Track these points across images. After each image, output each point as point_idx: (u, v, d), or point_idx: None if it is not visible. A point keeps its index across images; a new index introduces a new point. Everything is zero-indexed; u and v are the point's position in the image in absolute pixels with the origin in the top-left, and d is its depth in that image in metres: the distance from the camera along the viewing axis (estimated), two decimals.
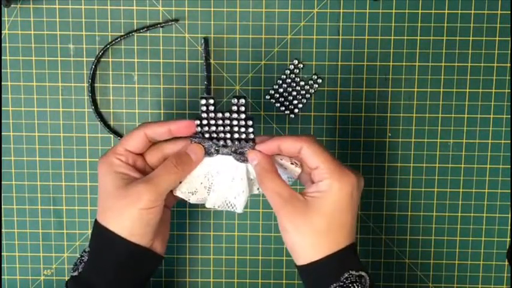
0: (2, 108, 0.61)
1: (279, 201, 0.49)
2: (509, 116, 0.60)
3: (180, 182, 0.52)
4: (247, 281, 0.64)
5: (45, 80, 0.61)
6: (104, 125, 0.61)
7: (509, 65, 0.60)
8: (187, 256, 0.63)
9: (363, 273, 0.49)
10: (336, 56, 0.60)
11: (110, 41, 0.59)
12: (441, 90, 0.60)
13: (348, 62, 0.60)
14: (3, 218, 0.63)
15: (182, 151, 0.51)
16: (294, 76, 0.60)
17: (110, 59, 0.60)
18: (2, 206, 0.62)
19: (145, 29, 0.59)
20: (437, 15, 0.59)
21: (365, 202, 0.62)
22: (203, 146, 0.52)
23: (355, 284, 0.47)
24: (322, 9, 0.59)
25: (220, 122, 0.51)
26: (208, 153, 0.52)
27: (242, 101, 0.50)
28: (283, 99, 0.61)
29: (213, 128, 0.51)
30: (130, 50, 0.60)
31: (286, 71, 0.60)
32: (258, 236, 0.63)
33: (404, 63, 0.60)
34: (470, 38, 0.60)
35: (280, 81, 0.60)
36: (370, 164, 0.61)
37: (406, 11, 0.59)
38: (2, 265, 0.63)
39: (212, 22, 0.59)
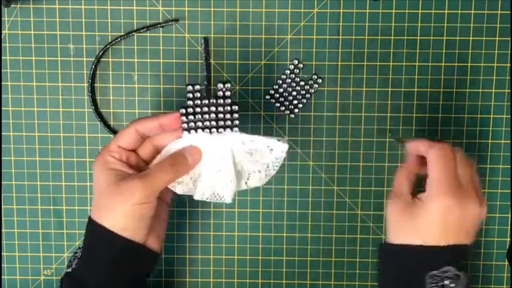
0: (2, 108, 0.61)
1: None
2: (509, 116, 0.60)
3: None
4: (247, 281, 0.64)
5: (45, 80, 0.61)
6: (104, 125, 0.61)
7: (509, 65, 0.60)
8: (187, 256, 0.63)
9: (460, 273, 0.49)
10: (336, 56, 0.60)
11: (110, 41, 0.59)
12: (441, 90, 0.60)
13: (348, 62, 0.60)
14: (3, 218, 0.63)
15: (179, 152, 0.52)
16: (294, 76, 0.60)
17: (110, 59, 0.60)
18: (2, 206, 0.62)
19: (145, 29, 0.59)
20: (437, 15, 0.59)
21: (365, 202, 0.62)
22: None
23: (449, 280, 0.48)
24: (322, 9, 0.59)
25: (205, 109, 0.51)
26: (188, 129, 0.52)
27: (228, 85, 0.51)
28: (283, 99, 0.61)
29: (199, 116, 0.51)
30: (130, 50, 0.60)
31: (286, 71, 0.60)
32: (258, 236, 0.63)
33: (404, 63, 0.60)
34: (470, 38, 0.60)
35: (280, 81, 0.60)
36: (370, 164, 0.61)
37: (406, 11, 0.59)
38: (2, 265, 0.63)
39: (212, 22, 0.59)
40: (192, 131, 0.52)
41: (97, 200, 0.51)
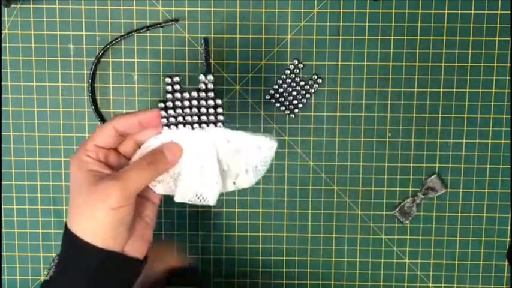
0: (2, 108, 0.61)
1: None
2: (509, 116, 0.60)
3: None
4: (247, 281, 0.64)
5: (45, 80, 0.61)
6: None
7: (509, 65, 0.60)
8: (188, 256, 0.63)
9: None
10: (336, 56, 0.60)
11: (110, 41, 0.59)
12: (441, 90, 0.60)
13: (348, 62, 0.60)
14: (3, 218, 0.63)
15: (158, 149, 0.48)
16: (294, 76, 0.60)
17: (110, 59, 0.60)
18: (2, 206, 0.62)
19: (145, 29, 0.59)
20: (437, 15, 0.59)
21: (365, 202, 0.62)
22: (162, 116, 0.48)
23: None
24: (322, 9, 0.59)
25: (186, 103, 0.47)
26: (168, 124, 0.48)
27: (210, 77, 0.46)
28: (283, 99, 0.61)
29: (179, 111, 0.47)
30: (131, 50, 0.60)
31: (286, 71, 0.60)
32: (258, 236, 0.63)
33: (404, 63, 0.60)
34: (470, 38, 0.60)
35: (280, 81, 0.60)
36: (370, 164, 0.61)
37: (406, 11, 0.59)
38: (2, 265, 0.63)
39: (212, 22, 0.59)
40: (173, 127, 0.48)
41: (73, 203, 0.47)
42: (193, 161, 0.48)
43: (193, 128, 0.48)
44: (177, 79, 0.47)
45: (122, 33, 0.59)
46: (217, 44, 0.60)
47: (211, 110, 0.47)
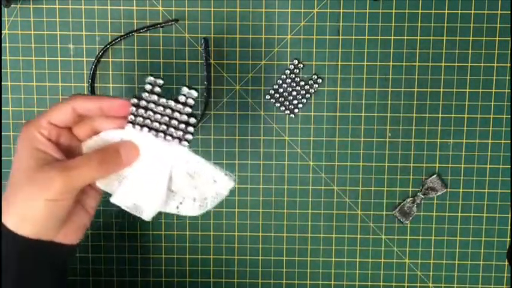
0: (2, 108, 0.61)
1: None
2: (509, 116, 0.60)
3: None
4: (247, 281, 0.64)
5: (45, 80, 0.61)
6: None
7: (509, 65, 0.60)
8: (187, 256, 0.63)
9: None
10: (336, 56, 0.60)
11: (110, 41, 0.59)
12: (441, 90, 0.60)
13: (348, 62, 0.60)
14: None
15: (114, 147, 0.45)
16: (294, 76, 0.60)
17: (110, 59, 0.60)
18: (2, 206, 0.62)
19: (145, 29, 0.59)
20: (437, 15, 0.59)
21: (365, 202, 0.62)
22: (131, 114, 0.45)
23: None
24: (322, 9, 0.59)
25: (160, 108, 0.45)
26: (134, 122, 0.46)
27: (193, 93, 0.44)
28: (283, 99, 0.61)
29: (150, 113, 0.45)
30: (130, 50, 0.60)
31: (286, 71, 0.60)
32: (258, 236, 0.63)
33: (404, 63, 0.60)
34: (470, 38, 0.60)
35: (280, 81, 0.60)
36: (370, 164, 0.61)
37: (406, 11, 0.59)
38: None
39: (212, 22, 0.59)
40: (137, 127, 0.46)
41: (11, 183, 0.44)
42: (145, 170, 0.46)
43: (157, 136, 0.46)
44: (160, 82, 0.45)
45: (122, 33, 0.59)
46: (217, 44, 0.60)
47: (182, 126, 0.45)
